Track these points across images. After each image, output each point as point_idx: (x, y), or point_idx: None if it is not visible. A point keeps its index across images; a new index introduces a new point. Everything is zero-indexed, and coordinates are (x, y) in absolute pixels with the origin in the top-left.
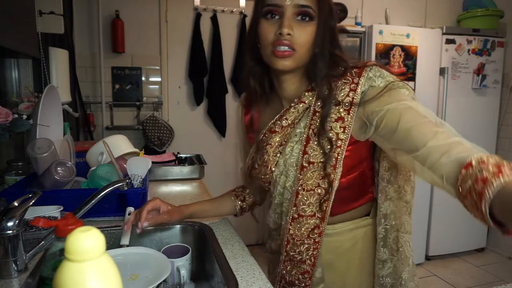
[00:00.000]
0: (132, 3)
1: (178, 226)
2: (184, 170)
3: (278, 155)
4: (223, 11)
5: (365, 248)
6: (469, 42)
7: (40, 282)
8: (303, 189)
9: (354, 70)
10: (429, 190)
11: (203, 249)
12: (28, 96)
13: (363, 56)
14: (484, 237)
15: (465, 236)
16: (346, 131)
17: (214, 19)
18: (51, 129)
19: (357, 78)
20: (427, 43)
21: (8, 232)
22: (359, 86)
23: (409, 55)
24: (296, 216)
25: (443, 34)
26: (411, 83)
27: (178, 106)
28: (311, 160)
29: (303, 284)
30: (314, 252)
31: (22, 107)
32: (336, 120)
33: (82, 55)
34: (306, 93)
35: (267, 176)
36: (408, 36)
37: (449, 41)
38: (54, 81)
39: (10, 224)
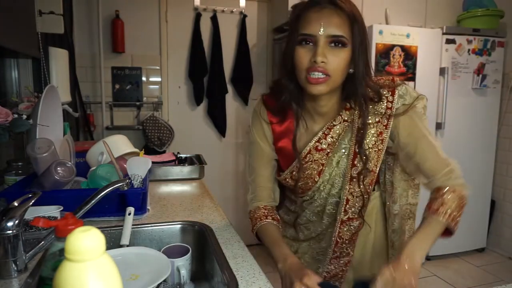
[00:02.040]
0: (132, 3)
1: (178, 226)
2: (184, 170)
3: (321, 167)
4: (223, 11)
5: (378, 218)
6: (469, 42)
7: (40, 282)
8: (352, 196)
9: (387, 89)
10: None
11: (203, 249)
12: (28, 96)
13: None
14: (484, 237)
15: (465, 236)
16: (384, 142)
17: (214, 19)
18: (51, 129)
19: (391, 97)
20: (427, 43)
21: (8, 232)
22: (394, 104)
23: (409, 55)
24: (345, 219)
25: (443, 34)
26: (411, 83)
27: (178, 106)
28: (361, 171)
29: (342, 273)
30: (354, 244)
31: (22, 107)
32: (379, 134)
33: (82, 55)
34: (346, 111)
35: (309, 185)
36: (408, 36)
37: (449, 41)
38: (54, 81)
39: (10, 224)
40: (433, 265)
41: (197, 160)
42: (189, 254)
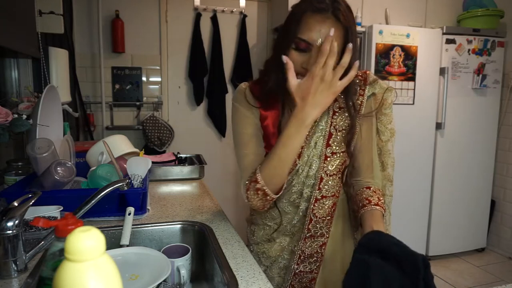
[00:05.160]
0: (132, 3)
1: (178, 226)
2: (184, 170)
3: (300, 150)
4: (223, 11)
5: (348, 209)
6: (469, 42)
7: (40, 282)
8: (326, 175)
9: (360, 78)
10: (429, 190)
11: (203, 249)
12: (28, 96)
13: (363, 57)
14: (484, 237)
15: (465, 236)
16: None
17: (214, 19)
18: (51, 129)
19: (364, 86)
20: (427, 43)
21: (8, 232)
22: (365, 92)
23: (409, 55)
24: (319, 197)
25: (443, 34)
26: (411, 83)
27: (178, 106)
28: (334, 151)
29: (317, 255)
30: (330, 226)
31: (22, 107)
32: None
33: (82, 55)
34: None
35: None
36: (408, 36)
37: (449, 41)
38: (54, 81)
39: (10, 224)
40: (433, 265)
41: (197, 160)
42: (189, 254)
